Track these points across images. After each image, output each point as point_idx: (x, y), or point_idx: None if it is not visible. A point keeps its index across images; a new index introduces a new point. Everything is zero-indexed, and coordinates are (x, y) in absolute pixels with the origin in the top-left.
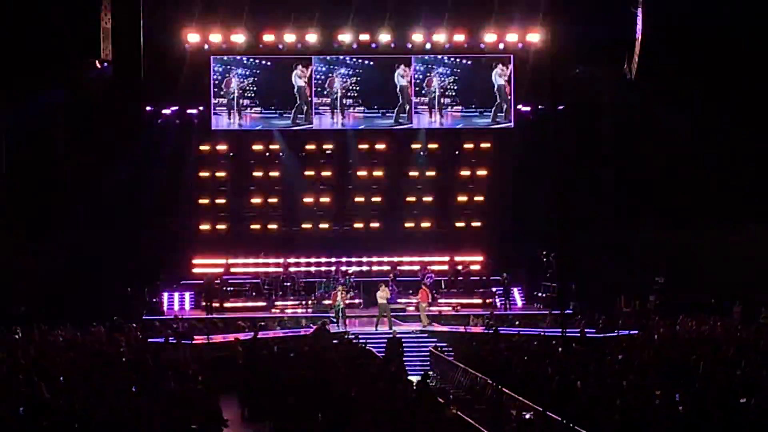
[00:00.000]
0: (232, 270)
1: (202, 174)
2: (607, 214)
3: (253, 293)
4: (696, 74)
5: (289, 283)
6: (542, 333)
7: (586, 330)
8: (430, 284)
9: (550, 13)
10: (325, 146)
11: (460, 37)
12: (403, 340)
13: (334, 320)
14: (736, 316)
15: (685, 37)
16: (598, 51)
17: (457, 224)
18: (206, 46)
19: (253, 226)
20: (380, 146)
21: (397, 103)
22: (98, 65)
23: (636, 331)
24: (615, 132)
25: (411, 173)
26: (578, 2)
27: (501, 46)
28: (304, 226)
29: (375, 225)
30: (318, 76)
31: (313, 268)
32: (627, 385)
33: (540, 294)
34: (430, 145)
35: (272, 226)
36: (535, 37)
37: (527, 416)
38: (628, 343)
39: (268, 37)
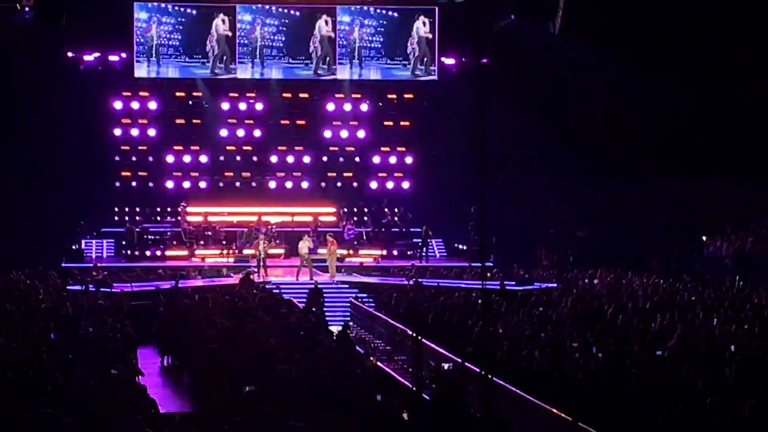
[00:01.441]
0: (153, 219)
1: (124, 121)
2: (530, 167)
3: (174, 242)
4: (618, 28)
5: (210, 233)
6: (462, 285)
7: (505, 282)
8: (350, 237)
9: None
10: (248, 94)
11: None
12: (324, 290)
13: (255, 270)
14: (654, 269)
15: None
16: (524, 4)
17: (379, 175)
18: None
19: (175, 174)
20: (304, 96)
21: (318, 54)
22: (18, 8)
23: (555, 284)
24: (539, 85)
25: (334, 123)
26: None
27: None
28: (226, 175)
29: (297, 175)
30: (241, 26)
31: (234, 218)
32: (545, 337)
33: (461, 246)
34: (353, 96)
35: (194, 175)
36: None
37: (446, 367)
38: (547, 295)
39: None
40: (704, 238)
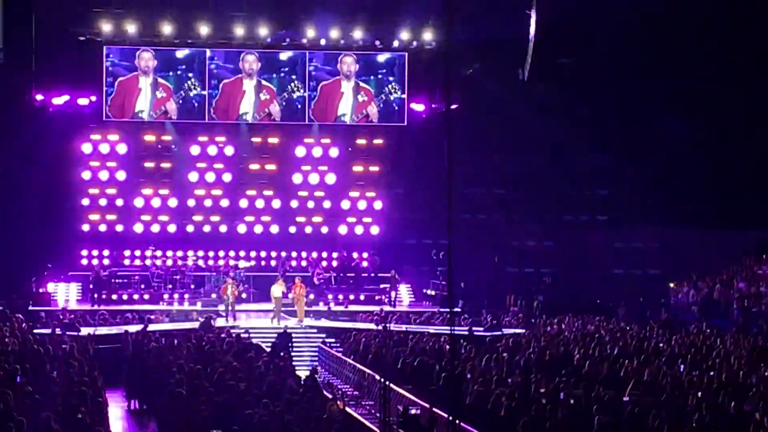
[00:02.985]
0: (122, 262)
1: (92, 164)
2: (498, 214)
3: (142, 286)
4: (586, 78)
5: (178, 276)
6: (431, 330)
7: (473, 328)
8: (319, 282)
9: (444, 13)
10: (217, 139)
11: (356, 34)
12: (293, 334)
13: (223, 314)
14: (622, 317)
15: (579, 40)
16: (492, 51)
17: (348, 220)
18: (100, 35)
19: (143, 218)
20: (273, 140)
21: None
22: None
23: (523, 330)
24: (507, 132)
25: (303, 168)
26: (472, 1)
27: (396, 43)
28: (195, 219)
29: (266, 219)
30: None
31: (203, 262)
32: (512, 383)
33: (429, 291)
34: (322, 141)
35: (163, 218)
36: (429, 35)
37: (414, 411)
38: (515, 341)
39: (164, 28)
40: (671, 284)
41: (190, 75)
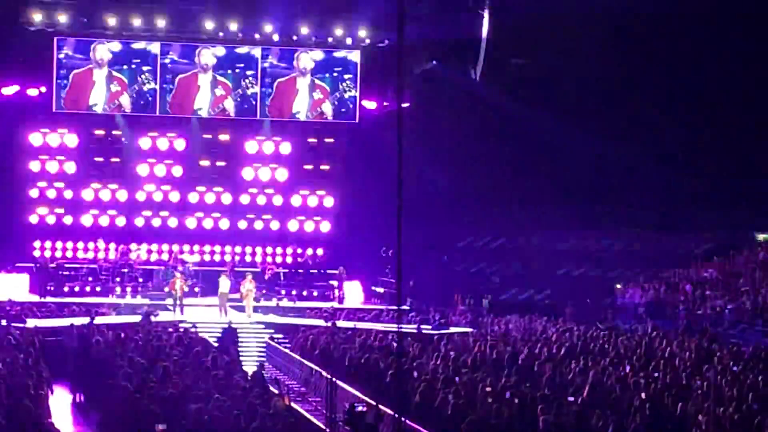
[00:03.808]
0: (69, 254)
1: (41, 157)
2: (448, 213)
3: (90, 278)
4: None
5: (126, 270)
6: (378, 327)
7: (421, 326)
8: (270, 278)
9: (396, 9)
10: (168, 134)
11: (309, 30)
12: (239, 330)
13: (171, 308)
14: (568, 317)
15: (531, 40)
16: (445, 51)
17: (299, 217)
18: (50, 26)
19: (92, 212)
20: (224, 137)
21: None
22: None
23: (470, 329)
24: (458, 131)
25: (254, 164)
26: (426, 1)
27: (349, 40)
28: (144, 214)
29: (216, 215)
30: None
31: (151, 256)
32: (459, 381)
33: (378, 289)
34: (274, 138)
35: (111, 212)
36: (381, 34)
37: (360, 408)
38: (462, 340)
39: (113, 20)
40: (618, 286)
41: (145, 69)
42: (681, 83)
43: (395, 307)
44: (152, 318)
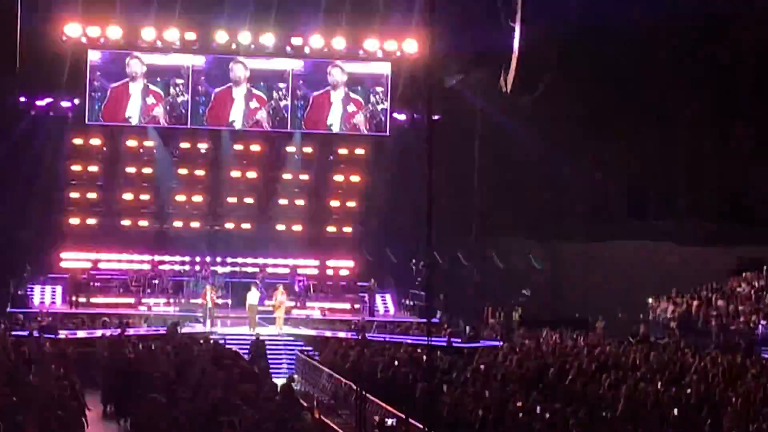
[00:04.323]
0: (100, 265)
1: (74, 167)
2: (478, 225)
3: (121, 289)
4: (570, 92)
5: (157, 281)
6: (409, 341)
7: (452, 339)
8: (300, 290)
9: (427, 22)
10: (199, 145)
11: (339, 43)
12: (269, 342)
13: (201, 319)
14: (600, 331)
15: (563, 54)
16: (475, 63)
17: (329, 228)
18: (84, 39)
19: (123, 222)
20: (254, 148)
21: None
22: None
23: (500, 342)
24: (488, 143)
25: (284, 176)
26: (456, 13)
27: (379, 53)
28: (175, 224)
29: (246, 226)
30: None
31: (182, 267)
32: (489, 395)
33: (408, 302)
34: (304, 149)
35: (143, 223)
36: (412, 46)
37: (390, 422)
38: (492, 353)
39: (148, 33)
40: (650, 300)
41: (179, 82)
42: (712, 100)
43: (425, 320)
44: (178, 329)
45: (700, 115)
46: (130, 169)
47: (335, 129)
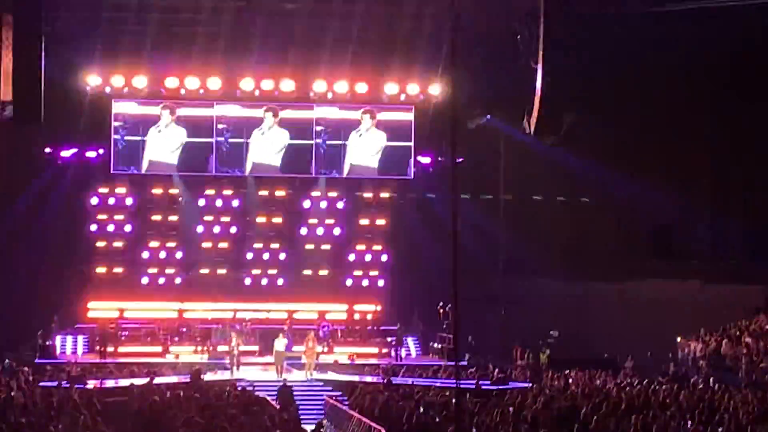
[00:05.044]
0: (127, 314)
1: (99, 217)
2: (504, 267)
3: (149, 338)
4: (593, 130)
5: (184, 329)
6: (437, 384)
7: (480, 381)
8: (325, 335)
9: (450, 66)
10: (224, 192)
11: (362, 88)
12: (298, 388)
13: (229, 366)
14: (629, 371)
15: (585, 94)
16: (498, 104)
17: (355, 273)
18: (108, 89)
19: (150, 271)
20: (280, 193)
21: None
22: None
23: (529, 384)
24: (512, 183)
25: (310, 221)
26: (479, 56)
27: (402, 97)
28: (201, 271)
29: (272, 272)
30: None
31: (209, 314)
32: None
33: (436, 345)
34: (329, 194)
35: (169, 271)
36: (434, 89)
37: None
38: (521, 395)
39: (171, 82)
40: (678, 339)
41: (201, 128)
42: (738, 136)
43: (453, 363)
44: (201, 376)
45: (724, 152)
46: (156, 217)
47: (358, 173)
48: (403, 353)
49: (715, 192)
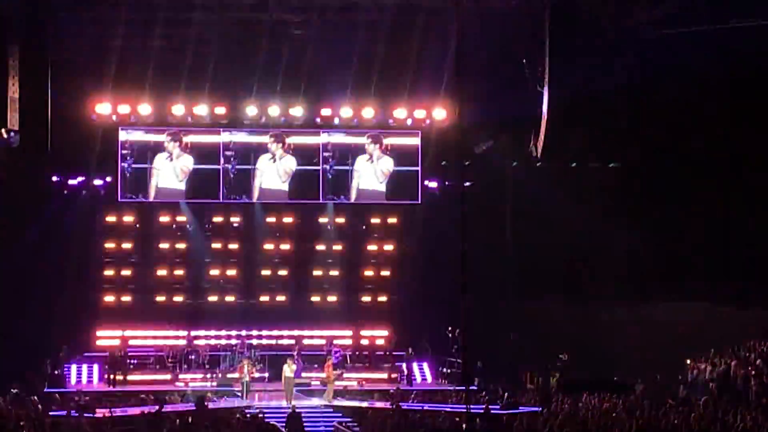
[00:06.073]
0: (136, 342)
1: (107, 245)
2: (513, 290)
3: (157, 366)
4: (600, 154)
5: (193, 356)
6: (447, 409)
7: (490, 406)
8: (337, 361)
9: (455, 90)
10: (232, 219)
11: (369, 113)
12: (307, 414)
13: (239, 394)
14: (639, 394)
15: (592, 118)
16: (505, 129)
17: (364, 298)
18: (114, 117)
19: (158, 299)
20: (287, 219)
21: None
22: (4, 135)
23: (539, 408)
24: (521, 208)
25: (318, 247)
26: (485, 79)
27: (409, 122)
28: (209, 299)
29: (281, 298)
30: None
31: (218, 341)
32: None
33: (445, 370)
34: (337, 219)
35: (177, 299)
36: (441, 114)
37: None
38: (531, 420)
39: (178, 109)
40: (688, 361)
41: (211, 157)
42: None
43: (463, 388)
44: (205, 402)
45: (735, 172)
46: (164, 245)
47: (365, 197)
48: (416, 377)
49: (724, 214)
